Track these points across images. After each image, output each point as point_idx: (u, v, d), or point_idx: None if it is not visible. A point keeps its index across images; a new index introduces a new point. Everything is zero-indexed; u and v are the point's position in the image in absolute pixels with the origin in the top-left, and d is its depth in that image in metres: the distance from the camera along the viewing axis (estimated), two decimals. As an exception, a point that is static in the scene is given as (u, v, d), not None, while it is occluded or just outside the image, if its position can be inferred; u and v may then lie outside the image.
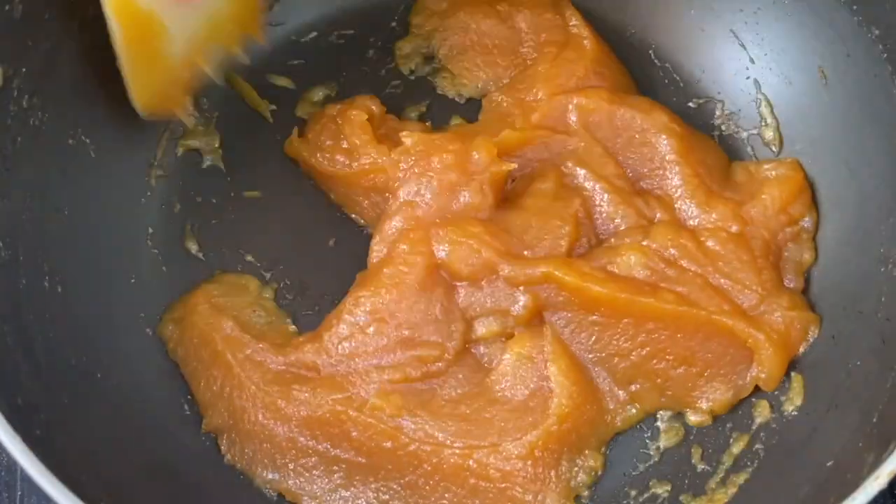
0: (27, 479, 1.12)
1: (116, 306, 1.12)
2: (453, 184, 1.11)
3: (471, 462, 1.04)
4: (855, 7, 1.09)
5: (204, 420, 1.09)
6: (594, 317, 1.07)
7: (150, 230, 1.18)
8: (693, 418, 1.09)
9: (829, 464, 0.97)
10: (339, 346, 1.09)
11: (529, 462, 1.04)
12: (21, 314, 1.00)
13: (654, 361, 1.07)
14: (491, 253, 1.08)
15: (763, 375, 1.07)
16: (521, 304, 1.08)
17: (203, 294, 1.14)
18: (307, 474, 1.06)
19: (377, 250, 1.13)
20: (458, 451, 1.04)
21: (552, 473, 1.05)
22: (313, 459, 1.06)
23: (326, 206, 1.20)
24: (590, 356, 1.09)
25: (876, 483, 0.85)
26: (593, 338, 1.08)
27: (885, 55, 1.07)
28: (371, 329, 1.08)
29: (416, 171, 1.12)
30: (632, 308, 1.06)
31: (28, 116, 1.05)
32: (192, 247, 1.18)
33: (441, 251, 1.09)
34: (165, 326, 1.13)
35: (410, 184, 1.12)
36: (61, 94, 1.08)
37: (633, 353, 1.07)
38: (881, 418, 0.95)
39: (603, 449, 1.08)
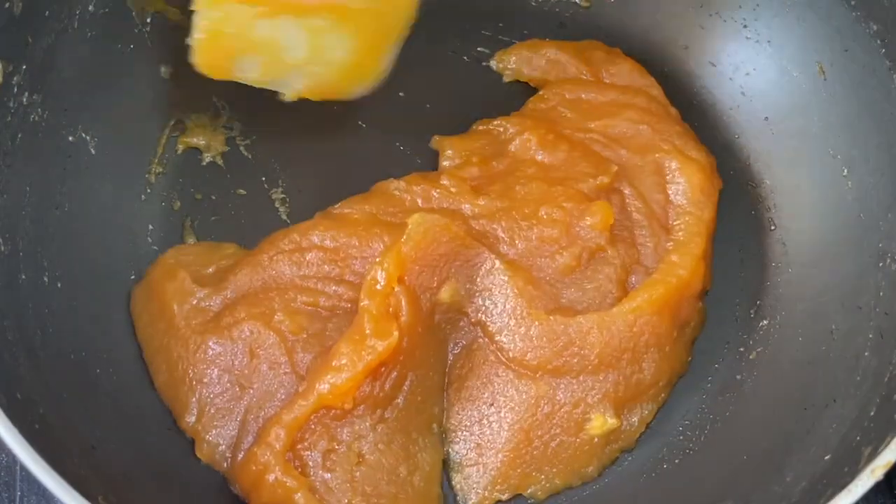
0: (26, 480, 1.13)
1: (116, 302, 1.12)
2: (555, 240, 1.10)
3: None
4: (853, 2, 1.10)
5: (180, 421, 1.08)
6: None
7: (150, 227, 1.18)
8: None
9: (826, 458, 0.97)
10: (275, 259, 1.09)
11: None
12: (21, 309, 1.00)
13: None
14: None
15: None
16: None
17: (173, 251, 1.14)
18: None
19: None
20: None
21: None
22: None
23: (325, 203, 1.20)
24: None
25: (871, 476, 0.86)
26: None
27: (884, 50, 1.07)
28: (310, 255, 1.09)
29: (516, 215, 1.10)
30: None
31: (28, 113, 1.05)
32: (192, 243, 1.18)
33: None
34: (133, 294, 1.13)
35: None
36: (61, 91, 1.09)
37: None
38: (878, 412, 0.96)
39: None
